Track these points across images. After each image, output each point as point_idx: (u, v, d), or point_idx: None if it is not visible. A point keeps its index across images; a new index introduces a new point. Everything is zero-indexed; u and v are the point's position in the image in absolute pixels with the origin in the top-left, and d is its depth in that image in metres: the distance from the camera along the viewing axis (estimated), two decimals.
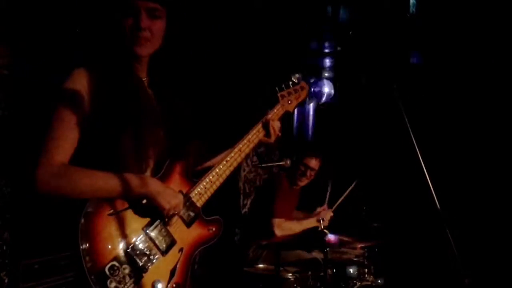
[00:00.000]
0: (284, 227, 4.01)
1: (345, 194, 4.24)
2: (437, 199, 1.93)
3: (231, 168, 2.09)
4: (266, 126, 2.24)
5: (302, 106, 5.57)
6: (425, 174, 1.90)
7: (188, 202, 1.92)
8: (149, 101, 1.89)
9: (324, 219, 4.05)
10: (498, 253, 4.29)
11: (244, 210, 5.02)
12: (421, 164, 1.90)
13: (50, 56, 3.11)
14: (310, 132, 5.84)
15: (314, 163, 4.22)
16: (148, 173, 1.84)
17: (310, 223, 4.14)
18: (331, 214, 4.16)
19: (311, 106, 5.86)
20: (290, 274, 3.58)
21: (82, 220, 1.63)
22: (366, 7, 4.58)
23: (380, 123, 4.75)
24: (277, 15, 4.36)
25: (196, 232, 1.96)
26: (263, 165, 4.75)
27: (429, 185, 1.91)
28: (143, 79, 1.91)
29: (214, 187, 2.02)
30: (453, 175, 4.47)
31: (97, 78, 1.76)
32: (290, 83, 2.39)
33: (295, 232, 4.07)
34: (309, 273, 3.62)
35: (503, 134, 4.48)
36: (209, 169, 2.06)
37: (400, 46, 4.62)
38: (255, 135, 2.22)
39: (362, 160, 5.12)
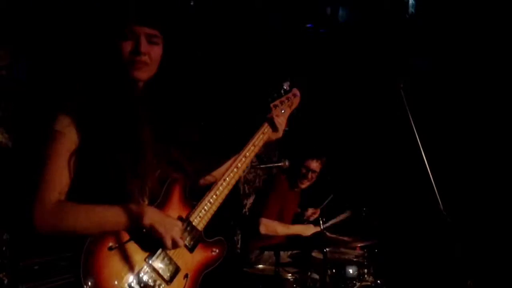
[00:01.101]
0: (269, 227, 4.01)
1: (336, 220, 4.26)
2: (440, 200, 1.92)
3: (231, 185, 2.06)
4: (271, 122, 2.23)
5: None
6: (428, 175, 1.90)
7: (189, 227, 1.90)
8: (143, 128, 1.86)
9: (309, 232, 4.07)
10: (500, 254, 4.29)
11: (244, 210, 5.02)
12: (425, 164, 1.90)
13: (49, 57, 3.11)
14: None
15: (315, 165, 4.22)
16: (145, 201, 1.82)
17: (295, 230, 4.15)
18: (317, 230, 4.15)
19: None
20: (290, 274, 3.58)
21: (83, 258, 1.62)
22: (365, 7, 4.58)
23: (383, 124, 4.75)
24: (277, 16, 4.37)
25: (199, 256, 1.95)
26: (262, 166, 4.74)
27: (432, 185, 1.90)
28: (138, 103, 1.89)
29: (214, 208, 1.99)
30: (456, 175, 4.46)
31: (87, 107, 1.74)
32: (282, 91, 2.34)
33: (279, 234, 4.08)
34: (309, 273, 3.62)
35: (504, 133, 4.48)
36: (211, 185, 2.03)
37: (399, 47, 4.62)
38: (260, 137, 2.20)
39: (361, 160, 5.12)
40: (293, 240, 4.14)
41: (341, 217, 4.30)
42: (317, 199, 4.48)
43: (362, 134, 5.17)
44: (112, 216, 1.70)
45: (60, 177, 1.68)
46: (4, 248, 2.82)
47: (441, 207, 1.90)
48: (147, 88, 1.90)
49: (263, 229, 3.98)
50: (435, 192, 1.91)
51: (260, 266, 3.82)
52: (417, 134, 2.00)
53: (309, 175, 4.23)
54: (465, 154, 4.65)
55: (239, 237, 4.78)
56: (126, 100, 1.82)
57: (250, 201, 5.10)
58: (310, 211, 4.42)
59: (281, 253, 3.66)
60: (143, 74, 1.83)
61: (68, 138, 1.69)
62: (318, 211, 4.35)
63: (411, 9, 4.50)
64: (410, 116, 1.94)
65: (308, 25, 4.52)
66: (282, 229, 4.10)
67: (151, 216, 1.75)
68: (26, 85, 3.09)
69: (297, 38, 4.64)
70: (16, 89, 3.07)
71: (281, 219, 4.18)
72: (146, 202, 1.83)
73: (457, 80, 4.69)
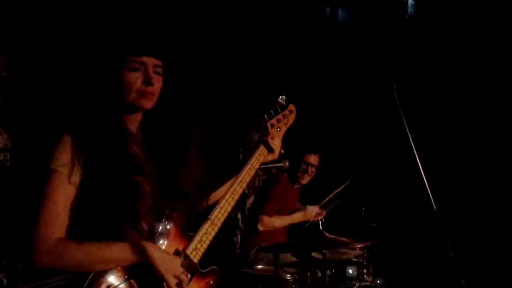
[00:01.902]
0: (267, 223, 4.09)
1: (335, 192, 4.29)
2: (433, 200, 1.93)
3: (227, 212, 2.05)
4: (267, 145, 2.25)
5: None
6: (422, 175, 1.90)
7: (186, 260, 1.89)
8: (142, 161, 1.87)
9: (311, 214, 4.13)
10: (494, 253, 4.30)
11: (244, 210, 5.01)
12: (418, 165, 1.91)
13: (48, 58, 3.12)
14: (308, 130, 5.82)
15: (313, 159, 4.31)
16: (145, 232, 1.81)
17: (293, 218, 4.23)
18: (317, 210, 4.21)
19: None
20: (289, 275, 3.58)
21: None
22: (364, 8, 4.59)
23: (379, 123, 4.76)
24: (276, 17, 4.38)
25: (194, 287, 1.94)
26: (262, 166, 4.74)
27: (425, 185, 1.91)
28: (135, 134, 1.89)
29: (210, 237, 1.98)
30: (450, 176, 4.48)
31: (84, 144, 1.74)
32: (278, 107, 2.33)
33: (277, 227, 4.14)
34: (308, 274, 3.62)
35: (500, 134, 4.49)
36: (207, 212, 2.02)
37: (398, 46, 4.63)
38: (257, 159, 2.22)
39: (361, 160, 5.13)
40: (293, 241, 4.16)
41: (339, 189, 4.32)
42: (319, 198, 4.48)
43: (357, 133, 5.18)
44: (111, 253, 1.70)
45: (58, 216, 1.68)
46: (3, 249, 2.83)
47: (434, 207, 1.91)
48: (146, 118, 1.91)
49: (261, 227, 4.06)
50: (428, 192, 1.92)
51: (260, 266, 3.83)
52: (411, 133, 2.01)
53: (309, 170, 4.31)
54: (458, 154, 4.66)
55: (239, 238, 4.78)
56: (126, 134, 1.83)
57: (250, 201, 5.10)
58: (309, 207, 4.42)
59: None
60: (150, 104, 1.84)
61: (65, 176, 1.69)
62: (323, 213, 4.36)
63: (410, 9, 4.51)
64: (402, 116, 1.95)
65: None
66: (279, 222, 4.16)
67: (151, 253, 1.74)
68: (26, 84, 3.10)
69: (296, 38, 4.66)
70: (16, 90, 3.08)
71: (280, 214, 4.22)
72: (144, 236, 1.81)
73: (455, 80, 4.70)
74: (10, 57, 3.06)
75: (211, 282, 2.01)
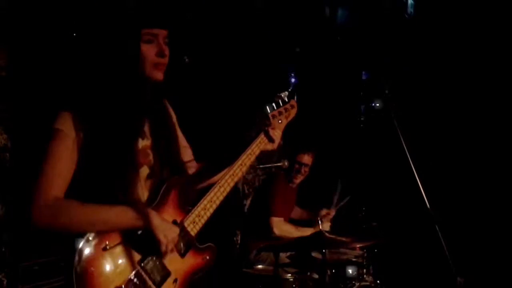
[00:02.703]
0: (283, 229, 4.07)
1: (342, 203, 4.29)
2: (428, 199, 1.93)
3: (226, 191, 2.07)
4: (267, 134, 2.27)
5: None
6: (415, 175, 1.91)
7: (183, 232, 1.90)
8: (146, 130, 1.90)
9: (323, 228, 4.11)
10: (491, 252, 4.31)
11: (244, 210, 5.02)
12: (411, 166, 1.91)
13: (48, 58, 3.12)
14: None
15: (306, 158, 4.32)
16: (144, 200, 1.84)
17: (307, 232, 4.14)
18: (329, 225, 4.20)
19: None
20: (289, 274, 3.58)
21: (76, 257, 1.64)
22: (364, 8, 4.59)
23: (379, 124, 4.76)
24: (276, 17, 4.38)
25: (190, 261, 1.95)
26: (261, 166, 4.75)
27: (418, 185, 1.91)
28: (146, 106, 1.90)
29: (208, 214, 2.01)
30: (446, 176, 4.49)
31: (83, 116, 1.75)
32: (280, 101, 2.37)
33: (294, 236, 4.06)
34: (308, 273, 3.62)
35: (497, 134, 4.50)
36: (206, 190, 2.03)
37: (398, 47, 4.63)
38: (257, 146, 2.23)
39: (360, 160, 5.13)
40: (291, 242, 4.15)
41: (339, 205, 4.33)
42: (329, 199, 4.49)
43: (355, 133, 5.19)
44: (110, 215, 1.71)
45: (59, 175, 1.70)
46: (3, 249, 2.83)
47: (428, 206, 1.91)
48: (154, 90, 1.91)
49: (277, 231, 4.03)
50: (421, 191, 1.92)
51: (260, 266, 3.83)
52: (403, 137, 2.02)
53: (302, 169, 4.32)
54: (455, 154, 4.67)
55: (239, 237, 4.78)
56: (135, 102, 1.84)
57: (249, 201, 5.10)
58: (324, 211, 4.42)
59: (280, 253, 3.67)
60: (162, 76, 1.86)
61: (68, 136, 1.71)
62: (333, 212, 4.36)
63: (410, 9, 4.51)
64: (395, 120, 1.96)
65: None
66: (296, 232, 4.12)
67: (151, 219, 1.76)
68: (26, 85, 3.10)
69: (296, 38, 4.66)
70: (16, 90, 3.08)
71: (279, 214, 4.22)
72: (143, 203, 1.83)
73: (452, 81, 4.71)
74: (9, 57, 3.06)
75: (207, 257, 2.02)
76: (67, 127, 1.72)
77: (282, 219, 4.10)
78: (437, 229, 1.84)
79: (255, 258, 4.01)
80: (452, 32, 4.56)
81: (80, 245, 1.66)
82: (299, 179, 4.38)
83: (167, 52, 1.83)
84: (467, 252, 3.49)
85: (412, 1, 4.49)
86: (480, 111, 4.62)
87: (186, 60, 2.15)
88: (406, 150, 2.03)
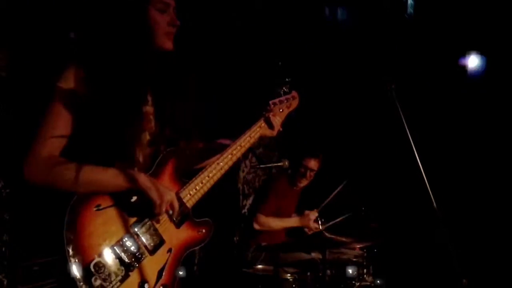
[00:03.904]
0: (263, 223, 4.10)
1: (333, 194, 4.29)
2: (434, 199, 1.93)
3: (224, 169, 2.08)
4: (267, 120, 2.27)
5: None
6: (422, 174, 1.91)
7: (178, 202, 1.89)
8: (148, 99, 1.89)
9: (310, 219, 4.11)
10: (495, 253, 4.30)
11: (244, 211, 5.02)
12: (419, 164, 1.91)
13: (48, 58, 3.12)
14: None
15: (313, 163, 4.29)
16: (140, 166, 1.83)
17: (291, 222, 4.21)
18: (316, 214, 4.20)
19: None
20: (289, 274, 3.58)
21: (68, 214, 1.60)
22: (364, 8, 4.59)
23: (379, 123, 4.76)
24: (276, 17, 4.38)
25: (185, 233, 1.94)
26: (261, 166, 4.76)
27: (426, 185, 1.91)
28: (149, 75, 1.89)
29: (205, 188, 2.01)
30: (451, 175, 4.48)
31: (89, 75, 1.73)
32: (282, 91, 2.39)
33: (274, 228, 4.14)
34: (308, 274, 3.62)
35: (500, 133, 4.50)
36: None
37: (398, 46, 4.63)
38: (256, 130, 2.24)
39: (360, 160, 5.13)
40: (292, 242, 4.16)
41: (336, 191, 4.33)
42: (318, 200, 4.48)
43: (358, 134, 5.18)
44: (103, 176, 1.70)
45: (56, 133, 1.69)
46: (3, 249, 2.83)
47: (435, 205, 1.91)
48: (163, 58, 1.92)
49: (256, 226, 4.08)
50: (428, 191, 1.92)
51: (259, 266, 3.83)
52: (410, 133, 2.02)
53: (308, 174, 4.30)
54: (459, 153, 4.66)
55: (238, 238, 4.78)
56: (142, 67, 1.83)
57: (249, 201, 5.10)
58: (307, 212, 4.42)
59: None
60: (172, 44, 1.88)
61: (69, 95, 1.70)
62: (320, 227, 4.37)
63: (410, 9, 4.50)
64: (402, 116, 1.96)
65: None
66: (276, 222, 4.16)
67: (144, 181, 1.74)
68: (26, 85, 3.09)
69: (295, 38, 4.66)
70: (16, 91, 3.08)
71: (279, 216, 4.22)
72: (140, 169, 1.82)
73: (454, 79, 4.71)
74: (9, 57, 3.06)
75: (204, 231, 2.01)
76: (69, 84, 1.70)
77: (264, 216, 4.11)
78: (443, 229, 1.84)
79: (252, 256, 4.01)
80: (452, 33, 4.56)
81: (72, 203, 1.62)
82: (303, 183, 4.37)
83: (178, 21, 1.84)
84: (471, 253, 3.49)
85: (412, 1, 4.48)
86: (480, 112, 4.62)
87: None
88: (414, 148, 2.03)
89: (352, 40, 4.54)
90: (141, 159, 1.84)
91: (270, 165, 5.00)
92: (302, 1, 4.44)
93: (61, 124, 1.70)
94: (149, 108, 1.89)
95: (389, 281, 3.99)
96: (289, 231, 4.40)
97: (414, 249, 4.71)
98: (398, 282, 4.34)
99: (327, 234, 3.57)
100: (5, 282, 2.79)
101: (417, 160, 1.95)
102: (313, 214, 4.20)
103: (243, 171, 5.09)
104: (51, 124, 1.69)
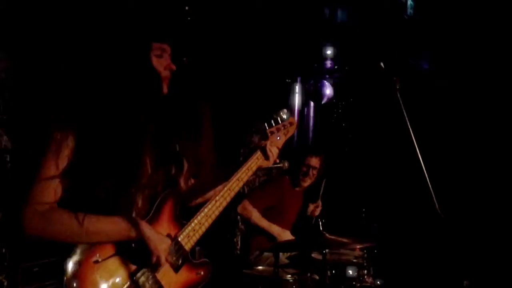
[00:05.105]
0: (246, 208, 4.06)
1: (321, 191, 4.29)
2: (436, 200, 1.92)
3: (222, 206, 2.07)
4: (264, 151, 2.27)
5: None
6: (424, 174, 1.91)
7: (177, 246, 1.89)
8: (145, 142, 1.86)
9: (283, 238, 4.06)
10: (496, 254, 4.30)
11: None
12: (421, 164, 1.91)
13: (48, 59, 3.12)
14: (310, 133, 5.85)
15: (315, 161, 4.29)
16: (138, 212, 1.82)
17: (270, 228, 4.12)
18: (290, 237, 4.13)
19: (311, 107, 5.88)
20: (289, 275, 3.58)
21: (68, 269, 1.61)
22: (364, 9, 4.59)
23: (380, 124, 4.76)
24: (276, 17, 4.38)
25: (184, 276, 1.93)
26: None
27: (428, 185, 1.91)
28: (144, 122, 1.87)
29: (204, 228, 1.99)
30: (453, 175, 4.48)
31: (89, 120, 1.72)
32: (279, 118, 2.38)
33: (252, 220, 4.08)
34: (308, 274, 3.62)
35: (503, 133, 4.50)
36: (202, 205, 2.03)
37: (398, 47, 4.63)
38: (254, 162, 2.24)
39: (360, 161, 5.13)
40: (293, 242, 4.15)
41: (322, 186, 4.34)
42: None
43: (360, 134, 5.19)
44: (103, 226, 1.69)
45: (54, 182, 1.66)
46: (3, 250, 2.83)
47: (437, 207, 1.91)
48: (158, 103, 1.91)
49: (240, 209, 4.05)
50: (430, 192, 1.92)
51: (260, 267, 3.82)
52: (413, 134, 2.02)
53: (310, 172, 4.29)
54: (461, 153, 4.66)
55: (239, 238, 4.78)
56: (141, 116, 1.82)
57: None
58: (311, 206, 4.42)
59: (280, 254, 3.67)
60: (167, 89, 1.88)
61: (66, 145, 1.68)
62: (320, 204, 4.35)
63: (409, 10, 4.51)
64: (405, 116, 1.96)
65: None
66: (257, 217, 4.09)
67: (143, 230, 1.74)
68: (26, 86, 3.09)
69: (295, 39, 4.67)
70: (16, 91, 3.08)
71: (281, 218, 4.20)
72: (135, 215, 1.81)
73: (456, 80, 4.71)
74: (10, 58, 3.06)
75: (202, 273, 2.00)
76: (66, 134, 1.68)
77: (248, 202, 4.08)
78: (446, 230, 1.84)
79: (256, 259, 4.01)
80: (452, 33, 4.57)
81: (69, 257, 1.63)
82: (307, 183, 4.34)
83: (174, 66, 1.85)
84: (473, 255, 3.48)
85: (411, 2, 4.49)
86: (481, 112, 4.62)
87: (185, 60, 2.14)
88: (417, 149, 2.03)
89: (354, 39, 4.56)
90: (139, 203, 1.83)
91: (270, 165, 5.00)
92: (302, 1, 4.45)
93: (58, 172, 1.66)
94: (149, 148, 1.88)
95: (389, 281, 3.99)
96: (293, 231, 4.39)
97: (415, 250, 4.71)
98: (398, 282, 4.35)
99: (327, 235, 3.57)
100: (5, 283, 2.79)
101: (419, 160, 1.96)
102: (290, 237, 4.15)
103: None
104: (48, 172, 1.65)
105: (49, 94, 2.91)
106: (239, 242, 4.75)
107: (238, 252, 4.62)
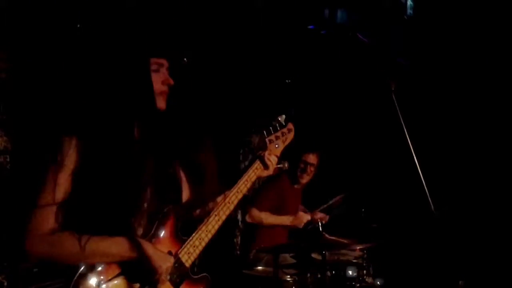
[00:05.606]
0: (254, 216, 4.12)
1: (330, 203, 4.30)
2: (431, 201, 1.93)
3: (222, 220, 2.07)
4: (262, 160, 2.28)
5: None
6: (419, 175, 1.91)
7: (177, 263, 1.90)
8: (146, 160, 1.87)
9: (301, 222, 4.11)
10: (492, 255, 4.31)
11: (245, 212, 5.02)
12: (416, 165, 1.92)
13: (48, 60, 3.12)
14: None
15: (312, 158, 4.33)
16: (140, 232, 1.83)
17: (283, 220, 4.20)
18: (309, 218, 4.20)
19: None
20: (289, 276, 3.58)
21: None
22: (363, 9, 4.60)
23: (378, 125, 4.76)
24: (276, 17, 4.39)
25: None
26: None
27: (423, 186, 1.91)
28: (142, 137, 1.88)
29: (203, 243, 2.00)
30: (449, 176, 4.49)
31: (87, 144, 1.73)
32: (277, 125, 2.37)
33: (265, 224, 4.15)
34: (308, 275, 3.62)
35: (499, 134, 4.50)
36: (202, 219, 2.04)
37: (397, 48, 4.64)
38: (254, 172, 2.25)
39: (360, 161, 5.13)
40: (293, 242, 4.16)
41: (330, 202, 4.34)
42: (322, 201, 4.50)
43: (356, 134, 5.19)
44: (105, 247, 1.70)
45: (55, 205, 1.67)
46: (3, 251, 2.83)
47: (432, 207, 1.92)
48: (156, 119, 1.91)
49: (248, 218, 4.11)
50: (426, 192, 1.92)
51: (260, 267, 3.83)
52: (408, 134, 2.03)
53: (308, 169, 4.32)
54: (457, 154, 4.67)
55: (239, 239, 4.79)
56: (133, 138, 1.82)
57: None
58: (318, 215, 4.43)
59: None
60: (165, 104, 1.88)
61: (68, 165, 1.69)
62: (327, 217, 4.37)
63: (409, 11, 4.51)
64: (400, 117, 1.97)
65: (310, 27, 4.55)
66: (269, 219, 4.15)
67: (146, 249, 1.75)
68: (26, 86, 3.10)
69: (296, 39, 4.67)
70: (16, 92, 3.09)
71: (278, 214, 4.23)
72: (140, 233, 1.83)
73: (453, 81, 4.71)
74: (10, 59, 3.07)
75: None
76: (68, 155, 1.69)
77: (256, 209, 4.13)
78: (441, 231, 1.85)
79: (254, 258, 4.02)
80: (451, 33, 4.57)
81: (74, 280, 1.64)
82: (305, 179, 4.38)
83: (171, 81, 1.85)
84: (468, 255, 3.49)
85: (411, 3, 4.49)
86: (481, 112, 4.62)
87: (185, 61, 2.15)
88: (412, 149, 2.04)
89: (353, 40, 4.55)
90: (138, 222, 1.83)
91: (270, 174, 4.99)
92: (302, 2, 4.45)
93: (59, 195, 1.68)
94: (151, 167, 1.88)
95: (389, 281, 3.99)
96: (291, 232, 4.40)
97: (414, 250, 4.71)
98: (398, 283, 4.35)
99: (327, 235, 3.57)
100: (5, 284, 2.79)
101: (415, 161, 1.96)
102: (306, 217, 4.19)
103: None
104: (48, 196, 1.66)
105: (49, 94, 2.93)
106: (239, 243, 4.76)
107: (238, 252, 4.62)
